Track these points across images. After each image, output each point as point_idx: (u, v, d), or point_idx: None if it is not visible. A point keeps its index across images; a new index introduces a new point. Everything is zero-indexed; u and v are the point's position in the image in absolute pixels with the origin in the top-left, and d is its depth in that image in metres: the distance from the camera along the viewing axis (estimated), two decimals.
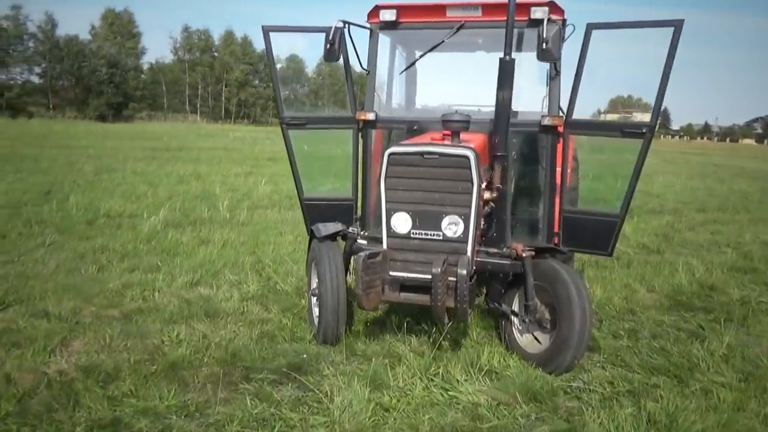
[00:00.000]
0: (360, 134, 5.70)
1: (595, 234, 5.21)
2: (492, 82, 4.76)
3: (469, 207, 4.35)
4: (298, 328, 5.04)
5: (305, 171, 5.90)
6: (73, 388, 3.79)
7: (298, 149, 5.78)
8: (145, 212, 9.66)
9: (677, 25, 4.52)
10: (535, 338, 4.69)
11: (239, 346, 4.55)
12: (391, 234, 4.54)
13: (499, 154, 4.78)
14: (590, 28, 4.85)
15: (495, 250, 4.85)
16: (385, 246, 4.55)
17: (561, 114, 5.22)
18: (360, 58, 5.65)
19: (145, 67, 77.62)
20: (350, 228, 5.16)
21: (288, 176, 6.92)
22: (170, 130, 47.83)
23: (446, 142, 4.60)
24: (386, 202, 4.52)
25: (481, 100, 6.46)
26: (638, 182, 4.90)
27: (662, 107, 4.83)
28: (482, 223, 4.92)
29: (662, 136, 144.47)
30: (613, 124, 5.09)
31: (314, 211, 5.79)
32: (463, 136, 4.79)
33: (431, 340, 4.72)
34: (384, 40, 5.92)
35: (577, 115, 5.06)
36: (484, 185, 4.59)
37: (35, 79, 66.49)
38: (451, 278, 4.14)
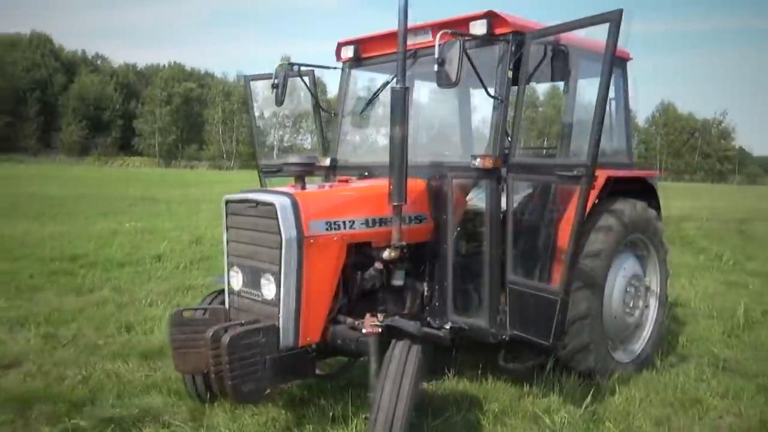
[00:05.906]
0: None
1: (537, 315, 3.94)
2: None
3: (278, 264, 3.67)
4: None
5: None
6: (119, 376, 4.75)
7: None
8: None
9: (614, 19, 3.45)
10: None
11: None
12: (230, 290, 4.13)
13: (395, 203, 3.82)
14: (529, 39, 4.06)
15: (351, 321, 3.96)
16: (226, 304, 4.17)
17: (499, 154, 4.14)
18: (319, 99, 5.39)
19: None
20: None
21: None
22: None
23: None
24: (227, 255, 4.15)
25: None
26: None
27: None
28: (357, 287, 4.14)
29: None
30: (548, 166, 4.08)
31: None
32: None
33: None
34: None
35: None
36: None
37: None
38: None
